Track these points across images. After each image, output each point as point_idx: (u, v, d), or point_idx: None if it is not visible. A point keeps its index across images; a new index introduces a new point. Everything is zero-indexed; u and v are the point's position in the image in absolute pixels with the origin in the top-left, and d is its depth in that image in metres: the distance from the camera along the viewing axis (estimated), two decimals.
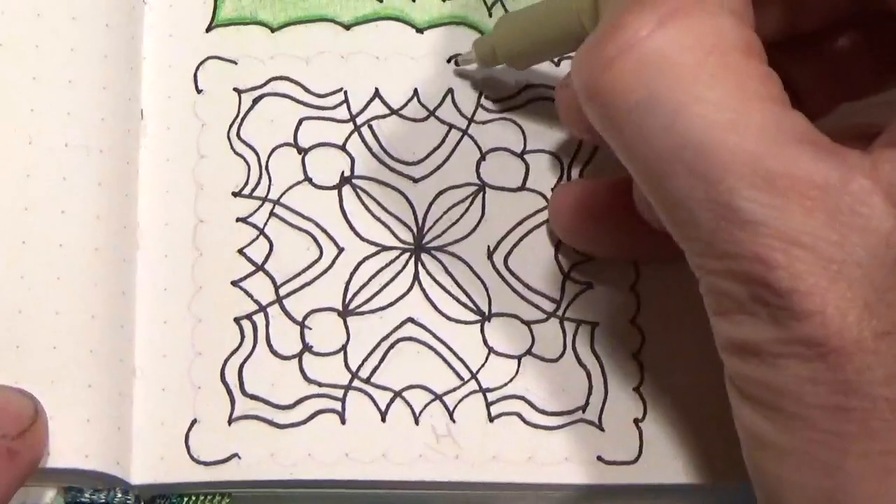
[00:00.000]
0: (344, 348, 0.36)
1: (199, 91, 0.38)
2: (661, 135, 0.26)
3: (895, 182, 0.25)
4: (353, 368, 0.36)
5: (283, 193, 0.37)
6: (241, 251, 0.36)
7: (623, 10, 0.27)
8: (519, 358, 0.36)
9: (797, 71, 0.33)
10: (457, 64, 0.38)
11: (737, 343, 0.27)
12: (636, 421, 0.36)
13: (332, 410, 0.35)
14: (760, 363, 0.26)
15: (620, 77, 0.26)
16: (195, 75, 0.38)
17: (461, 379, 0.36)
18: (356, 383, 0.36)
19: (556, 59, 0.38)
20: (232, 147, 0.37)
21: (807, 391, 0.25)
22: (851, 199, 0.25)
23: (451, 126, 0.38)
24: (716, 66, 0.26)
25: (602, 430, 0.36)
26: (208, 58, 0.38)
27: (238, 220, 0.37)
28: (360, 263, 0.37)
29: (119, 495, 0.34)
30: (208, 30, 0.38)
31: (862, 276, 0.25)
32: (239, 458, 0.35)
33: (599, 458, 0.35)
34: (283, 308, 0.36)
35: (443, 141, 0.38)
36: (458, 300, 0.36)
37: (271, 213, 0.37)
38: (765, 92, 0.26)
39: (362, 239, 0.37)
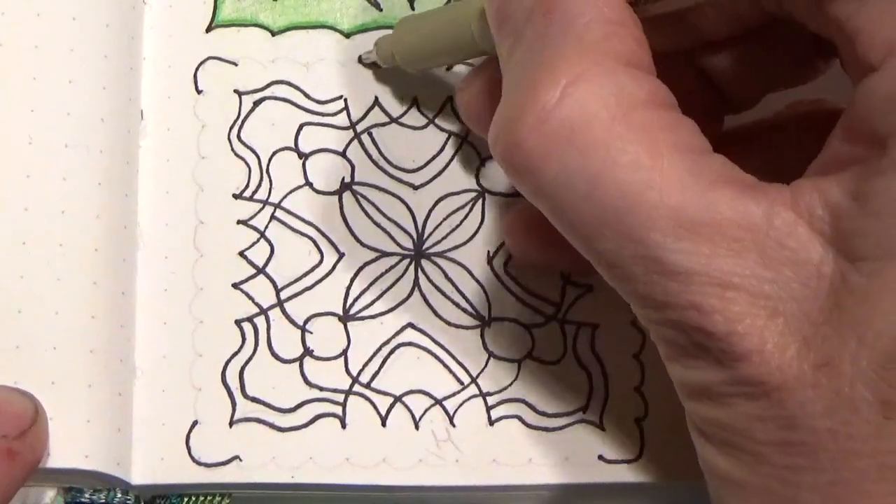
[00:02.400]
0: (345, 353, 0.36)
1: (199, 91, 0.38)
2: (582, 203, 0.26)
3: (816, 212, 0.25)
4: (354, 373, 0.36)
5: (284, 197, 0.37)
6: (241, 253, 0.36)
7: (527, 83, 0.27)
8: (519, 361, 0.36)
9: (715, 68, 0.33)
10: (360, 61, 0.38)
11: (690, 386, 0.27)
12: (637, 420, 0.36)
13: (333, 415, 0.35)
14: (713, 404, 0.27)
15: (534, 155, 0.27)
16: (195, 76, 0.38)
17: (461, 383, 0.36)
18: (357, 388, 0.36)
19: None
20: (232, 149, 0.37)
21: (756, 428, 0.26)
22: (777, 233, 0.25)
23: (450, 133, 0.38)
24: (622, 128, 0.26)
25: (603, 429, 0.36)
26: (208, 58, 0.38)
27: (239, 222, 0.37)
28: (360, 269, 0.37)
29: (119, 495, 0.34)
30: (208, 30, 0.38)
31: (798, 309, 0.25)
32: (240, 460, 0.35)
33: (601, 458, 0.36)
34: (284, 312, 0.36)
35: (442, 148, 0.38)
36: (458, 305, 0.37)
37: (272, 217, 0.37)
38: (676, 141, 0.26)
39: (363, 245, 0.37)
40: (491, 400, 0.36)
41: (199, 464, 0.35)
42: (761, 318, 0.25)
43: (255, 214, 0.37)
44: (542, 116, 0.26)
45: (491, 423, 0.36)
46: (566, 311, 0.37)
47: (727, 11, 0.31)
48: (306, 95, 0.38)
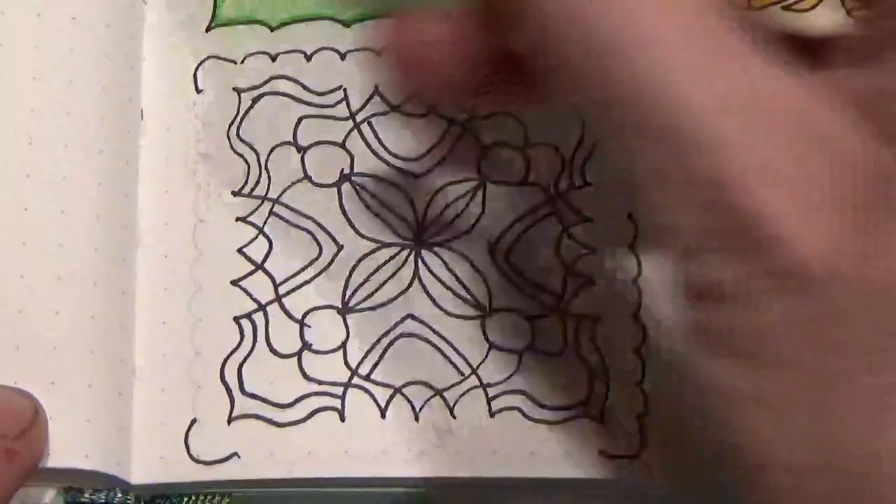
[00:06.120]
0: (343, 346, 0.36)
1: (198, 91, 0.38)
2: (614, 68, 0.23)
3: (847, 100, 0.23)
4: (353, 366, 0.36)
5: (283, 192, 0.37)
6: (240, 250, 0.36)
7: None
8: (520, 353, 0.36)
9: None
10: None
11: (705, 288, 0.24)
12: (638, 416, 0.35)
13: (332, 408, 0.35)
14: (732, 307, 0.23)
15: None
16: (195, 75, 0.38)
17: (462, 374, 0.36)
18: (356, 380, 0.35)
19: None
20: (232, 146, 0.37)
21: (786, 329, 0.22)
22: (812, 116, 0.22)
23: (451, 121, 0.38)
24: None
25: (604, 424, 0.35)
26: (208, 57, 0.38)
27: (238, 219, 0.37)
28: (359, 260, 0.36)
29: (119, 495, 0.34)
30: (208, 29, 0.38)
31: (840, 195, 0.22)
32: (238, 457, 0.35)
33: (601, 453, 0.35)
34: (282, 306, 0.36)
35: (443, 136, 0.37)
36: (458, 296, 0.36)
37: (271, 212, 0.37)
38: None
39: (362, 236, 0.37)
40: (491, 391, 0.35)
41: (199, 462, 0.35)
42: (795, 203, 0.22)
43: (254, 211, 0.37)
44: None
45: (491, 414, 0.35)
46: (568, 302, 0.36)
47: None
48: (305, 88, 0.38)
